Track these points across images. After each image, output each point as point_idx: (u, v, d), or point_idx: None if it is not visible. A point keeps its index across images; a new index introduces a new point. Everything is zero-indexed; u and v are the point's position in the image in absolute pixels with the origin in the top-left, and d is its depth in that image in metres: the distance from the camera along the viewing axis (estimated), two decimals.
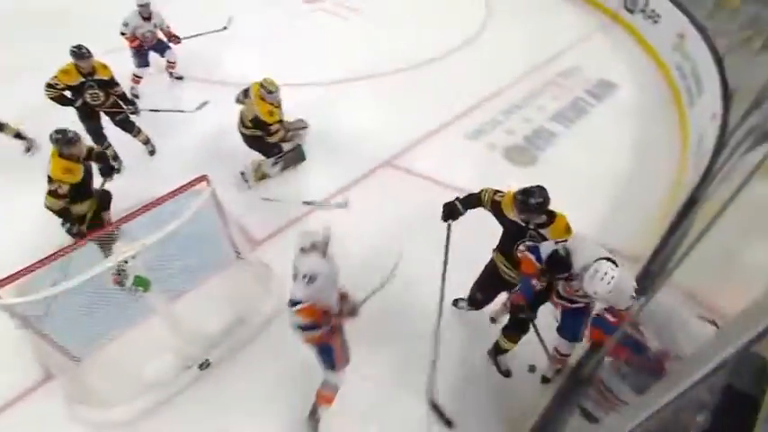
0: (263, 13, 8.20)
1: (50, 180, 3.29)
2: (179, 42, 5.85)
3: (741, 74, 4.52)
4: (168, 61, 6.08)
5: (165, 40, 5.80)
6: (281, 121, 4.43)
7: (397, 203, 4.47)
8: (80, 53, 4.20)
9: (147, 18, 5.51)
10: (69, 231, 3.56)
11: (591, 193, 4.41)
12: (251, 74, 4.76)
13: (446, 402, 2.99)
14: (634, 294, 2.22)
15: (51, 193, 3.29)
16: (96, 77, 4.34)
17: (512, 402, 3.08)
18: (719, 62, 5.01)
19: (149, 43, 5.70)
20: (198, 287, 3.57)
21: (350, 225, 4.23)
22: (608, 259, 2.28)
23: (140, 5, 5.42)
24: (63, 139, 3.29)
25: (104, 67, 4.40)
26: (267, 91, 4.24)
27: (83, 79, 4.28)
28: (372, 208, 4.40)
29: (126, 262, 2.66)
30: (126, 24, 5.49)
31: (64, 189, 3.30)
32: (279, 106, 4.44)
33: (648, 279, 2.80)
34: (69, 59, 4.21)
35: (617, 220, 4.31)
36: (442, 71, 6.52)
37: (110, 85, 4.45)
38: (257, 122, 4.34)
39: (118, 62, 4.80)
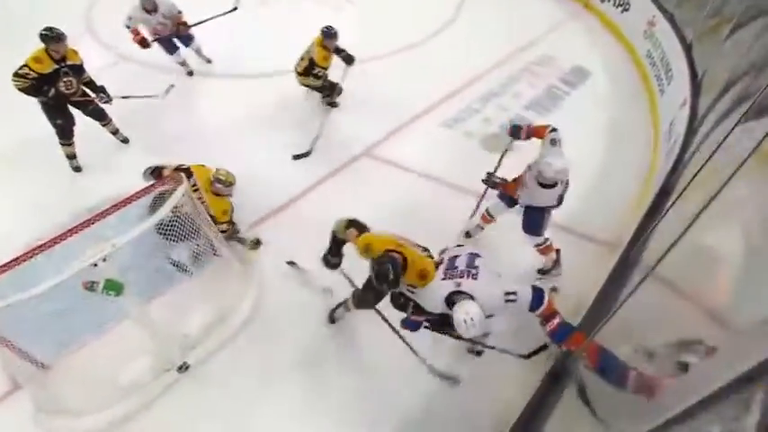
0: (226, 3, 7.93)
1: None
2: (187, 29, 5.68)
3: (709, 61, 4.61)
4: (197, 52, 6.01)
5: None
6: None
7: (375, 193, 4.42)
8: (55, 35, 3.90)
9: (153, 10, 5.26)
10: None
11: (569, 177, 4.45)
12: (224, 63, 4.61)
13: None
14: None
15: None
16: (69, 63, 4.05)
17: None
18: (688, 50, 5.11)
19: (165, 34, 5.51)
20: (174, 287, 3.45)
21: (331, 215, 4.16)
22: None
23: None
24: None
25: (75, 52, 4.13)
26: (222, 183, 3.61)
27: (56, 66, 3.97)
28: (350, 198, 4.34)
29: (95, 265, 2.53)
30: (130, 18, 5.27)
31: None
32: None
33: (627, 268, 2.85)
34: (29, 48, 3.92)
35: (592, 206, 4.36)
36: (418, 59, 6.45)
37: (81, 71, 4.19)
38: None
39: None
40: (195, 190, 3.46)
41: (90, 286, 2.51)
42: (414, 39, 6.80)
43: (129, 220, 2.95)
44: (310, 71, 4.93)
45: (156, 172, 3.60)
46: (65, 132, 4.35)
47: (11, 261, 2.40)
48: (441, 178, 4.63)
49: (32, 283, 2.33)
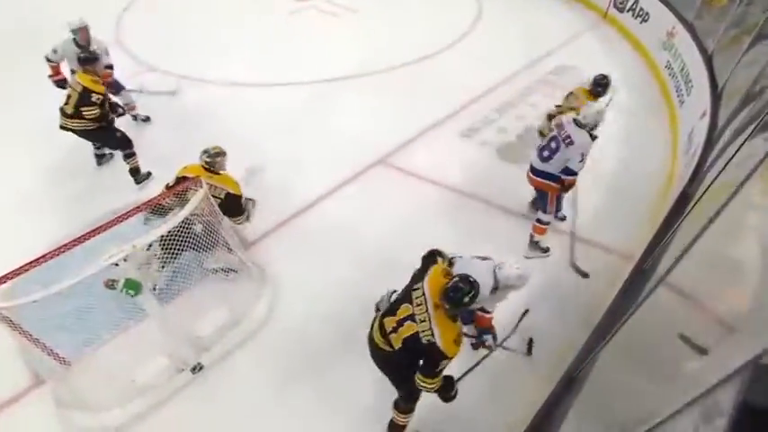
0: (253, 13, 8.21)
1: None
2: (114, 92, 5.04)
3: (729, 72, 4.56)
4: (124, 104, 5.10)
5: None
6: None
7: (391, 202, 4.48)
8: (95, 57, 4.27)
9: (84, 46, 4.64)
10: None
11: (583, 190, 4.43)
12: (241, 73, 4.73)
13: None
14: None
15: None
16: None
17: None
18: (708, 61, 5.06)
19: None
20: (190, 289, 3.53)
21: (346, 223, 4.23)
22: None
23: (73, 30, 4.63)
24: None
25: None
26: (216, 156, 3.53)
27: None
28: (366, 206, 4.41)
29: (117, 264, 2.62)
30: (55, 51, 4.72)
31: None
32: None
33: (641, 277, 2.82)
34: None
35: (610, 218, 4.34)
36: (434, 69, 6.53)
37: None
38: None
39: None
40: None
41: (111, 284, 2.59)
42: (431, 50, 6.89)
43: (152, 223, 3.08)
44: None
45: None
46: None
47: (38, 258, 2.50)
48: (456, 187, 4.65)
49: (57, 280, 2.43)
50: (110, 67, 4.98)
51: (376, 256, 3.93)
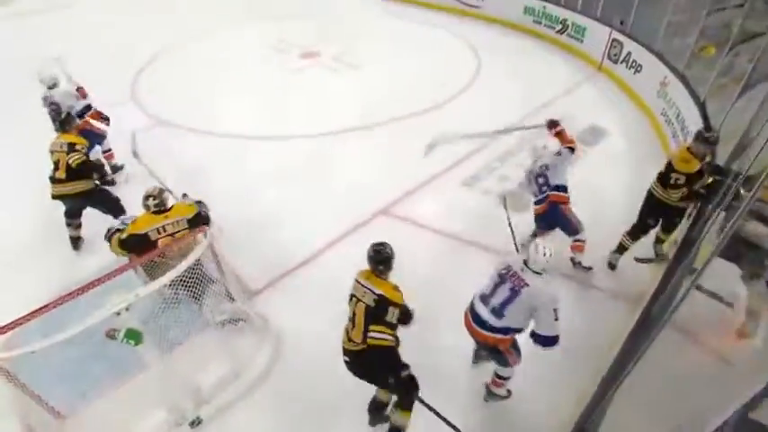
0: (260, 67, 8.67)
1: None
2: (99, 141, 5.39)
3: (722, 119, 4.66)
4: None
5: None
6: None
7: (395, 252, 4.46)
8: (69, 119, 4.50)
9: (56, 110, 5.09)
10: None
11: (588, 236, 4.43)
12: (248, 126, 4.89)
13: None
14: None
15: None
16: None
17: None
18: (702, 107, 5.19)
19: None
20: (191, 339, 3.49)
21: (349, 275, 4.21)
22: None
23: (49, 87, 5.15)
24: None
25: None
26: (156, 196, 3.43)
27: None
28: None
29: (119, 314, 2.61)
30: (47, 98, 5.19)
31: None
32: None
33: (650, 322, 2.75)
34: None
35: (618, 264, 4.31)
36: (436, 121, 6.71)
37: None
38: None
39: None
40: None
41: (112, 334, 2.58)
42: (432, 102, 7.13)
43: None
44: None
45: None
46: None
47: (40, 308, 2.51)
48: (459, 235, 4.67)
49: (57, 329, 2.42)
50: (88, 108, 5.24)
51: None
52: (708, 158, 3.75)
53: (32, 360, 2.44)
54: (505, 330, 2.79)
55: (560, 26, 9.29)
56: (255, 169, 5.73)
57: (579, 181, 4.15)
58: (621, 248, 4.20)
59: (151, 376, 2.96)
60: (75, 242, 4.67)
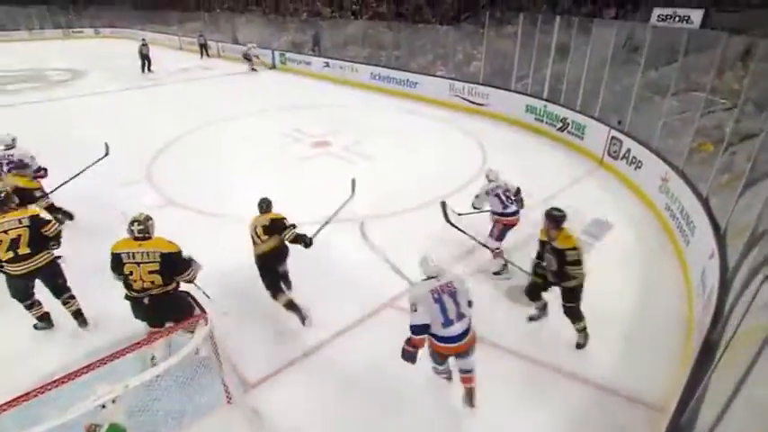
0: (269, 158, 9.14)
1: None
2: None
3: (728, 214, 4.66)
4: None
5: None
6: None
7: (400, 344, 4.27)
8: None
9: (9, 147, 5.69)
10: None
11: (600, 333, 4.25)
12: (254, 211, 4.92)
13: None
14: None
15: None
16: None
17: None
18: (705, 203, 5.21)
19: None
20: None
21: (354, 366, 4.01)
22: None
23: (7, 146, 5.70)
24: None
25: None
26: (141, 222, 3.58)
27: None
28: (374, 350, 4.19)
29: (104, 406, 2.43)
30: (33, 157, 5.75)
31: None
32: None
33: None
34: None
35: (628, 366, 4.07)
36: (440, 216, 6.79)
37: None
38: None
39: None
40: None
41: (93, 430, 2.38)
42: (441, 192, 7.25)
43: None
44: None
45: None
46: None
47: (19, 396, 2.35)
48: None
49: (37, 419, 2.24)
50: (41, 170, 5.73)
51: (380, 399, 3.65)
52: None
53: None
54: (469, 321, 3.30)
55: (561, 124, 9.82)
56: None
57: (586, 273, 4.10)
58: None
59: None
60: (46, 322, 4.40)
